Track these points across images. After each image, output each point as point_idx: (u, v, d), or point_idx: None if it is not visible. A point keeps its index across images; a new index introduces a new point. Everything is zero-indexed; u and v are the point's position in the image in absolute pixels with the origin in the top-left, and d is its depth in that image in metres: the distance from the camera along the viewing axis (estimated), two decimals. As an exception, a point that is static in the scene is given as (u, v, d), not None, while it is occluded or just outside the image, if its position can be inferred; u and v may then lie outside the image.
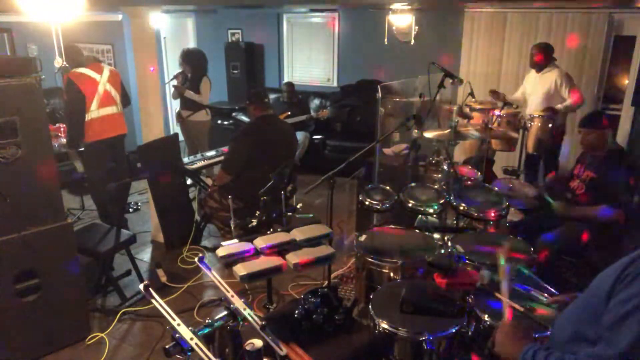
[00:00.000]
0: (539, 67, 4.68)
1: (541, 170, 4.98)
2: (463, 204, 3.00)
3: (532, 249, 2.58)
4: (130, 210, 5.24)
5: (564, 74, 4.58)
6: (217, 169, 4.35)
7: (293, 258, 2.39)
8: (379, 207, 3.16)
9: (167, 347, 1.41)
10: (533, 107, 4.70)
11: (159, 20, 5.04)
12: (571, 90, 4.52)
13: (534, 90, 4.75)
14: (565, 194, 3.34)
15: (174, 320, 1.44)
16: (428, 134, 3.57)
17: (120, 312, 3.40)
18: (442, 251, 2.60)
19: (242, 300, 1.62)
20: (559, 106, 4.51)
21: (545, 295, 2.02)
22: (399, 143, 4.38)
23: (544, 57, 4.62)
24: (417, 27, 6.08)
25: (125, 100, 4.54)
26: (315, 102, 6.96)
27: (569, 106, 4.54)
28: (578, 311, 1.25)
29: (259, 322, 1.52)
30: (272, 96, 5.30)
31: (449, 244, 2.62)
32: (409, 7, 5.46)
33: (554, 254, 3.02)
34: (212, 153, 4.77)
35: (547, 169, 4.81)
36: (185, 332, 1.42)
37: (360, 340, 2.17)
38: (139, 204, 5.39)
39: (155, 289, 1.56)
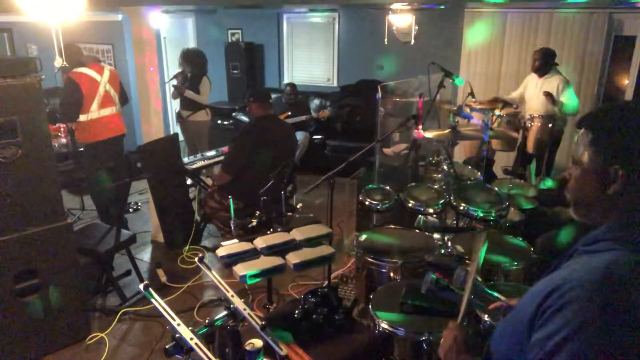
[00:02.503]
0: (541, 72, 4.68)
1: (534, 170, 4.96)
2: (463, 204, 3.00)
3: (531, 249, 2.58)
4: (130, 210, 5.24)
5: (566, 81, 4.60)
6: (217, 169, 4.35)
7: (293, 258, 2.39)
8: (379, 207, 3.16)
9: (167, 347, 1.41)
10: (533, 109, 4.70)
11: (159, 20, 5.04)
12: (570, 98, 4.53)
13: (535, 94, 4.73)
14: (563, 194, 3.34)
15: (174, 320, 1.44)
16: (428, 134, 3.57)
17: (120, 312, 3.40)
18: (442, 251, 2.60)
19: (242, 300, 1.62)
20: (555, 109, 4.52)
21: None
22: (399, 143, 4.38)
23: (545, 63, 4.63)
24: (417, 27, 6.07)
25: (124, 99, 4.55)
26: (315, 102, 6.95)
27: (565, 113, 4.54)
28: (508, 333, 1.15)
29: (259, 322, 1.52)
30: (272, 96, 5.29)
31: (449, 244, 2.62)
32: (409, 6, 5.46)
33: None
34: (212, 153, 4.76)
35: (542, 169, 4.79)
36: (185, 332, 1.42)
37: (360, 340, 2.17)
38: (139, 204, 5.39)
39: (155, 289, 1.56)
